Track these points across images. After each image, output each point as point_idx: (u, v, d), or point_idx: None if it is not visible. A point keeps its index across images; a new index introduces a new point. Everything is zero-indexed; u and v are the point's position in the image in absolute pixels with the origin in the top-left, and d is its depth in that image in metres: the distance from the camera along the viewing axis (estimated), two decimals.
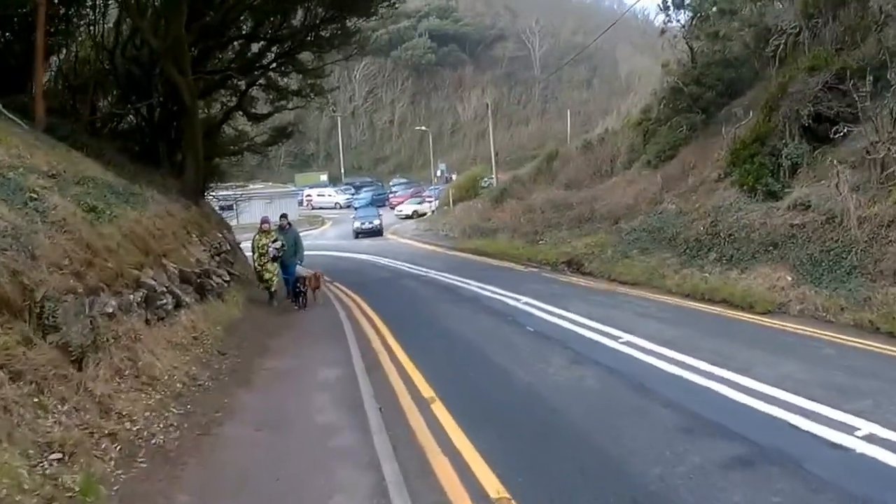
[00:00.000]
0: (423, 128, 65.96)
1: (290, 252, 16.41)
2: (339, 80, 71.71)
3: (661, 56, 30.61)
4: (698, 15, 23.65)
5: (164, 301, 9.47)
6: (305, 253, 17.40)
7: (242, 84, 24.37)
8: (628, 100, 65.98)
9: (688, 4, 24.00)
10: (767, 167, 17.02)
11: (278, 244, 15.88)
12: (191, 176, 16.59)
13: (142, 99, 20.19)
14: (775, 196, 16.48)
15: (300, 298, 16.10)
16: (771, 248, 14.73)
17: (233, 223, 28.78)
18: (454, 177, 57.61)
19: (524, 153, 73.55)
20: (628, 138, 32.63)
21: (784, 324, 12.12)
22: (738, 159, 18.46)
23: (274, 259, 15.90)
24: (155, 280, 9.27)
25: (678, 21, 24.48)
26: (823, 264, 13.39)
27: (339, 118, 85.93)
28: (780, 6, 20.82)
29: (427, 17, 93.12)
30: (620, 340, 11.14)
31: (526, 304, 15.28)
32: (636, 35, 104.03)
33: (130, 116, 22.38)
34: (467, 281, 19.81)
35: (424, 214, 51.74)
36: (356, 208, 53.88)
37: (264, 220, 16.41)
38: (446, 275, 21.82)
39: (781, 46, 21.08)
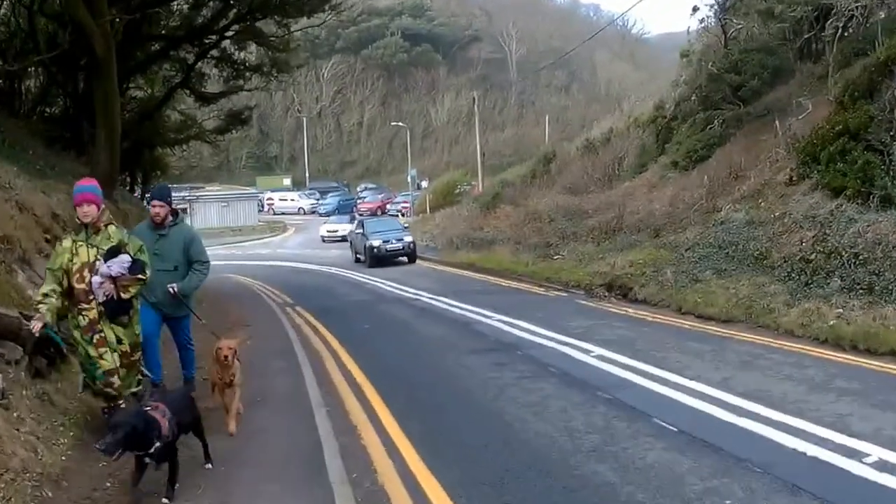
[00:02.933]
0: (400, 123, 61.55)
1: (169, 277, 7.13)
2: (305, 77, 67.14)
3: (687, 39, 27.26)
4: None
5: None
6: (227, 264, 9.01)
7: (190, 56, 19.87)
8: (632, 98, 62.27)
9: None
10: (877, 166, 13.11)
11: (122, 261, 5.84)
12: (102, 157, 11.32)
13: (65, 73, 16.11)
14: (891, 202, 12.55)
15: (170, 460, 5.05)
16: None
17: None
18: (425, 184, 52.84)
19: (502, 159, 69.77)
20: (637, 139, 29.27)
21: None
22: (817, 158, 14.72)
23: (119, 308, 5.93)
24: None
25: None
26: None
27: (304, 119, 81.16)
28: None
29: (400, 16, 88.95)
30: (866, 461, 5.59)
31: (600, 358, 9.62)
32: (615, 42, 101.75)
33: (60, 99, 18.86)
34: (481, 311, 14.28)
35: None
36: (353, 219, 38.92)
37: (81, 192, 5.99)
38: (446, 300, 16.49)
39: (840, 29, 17.75)
